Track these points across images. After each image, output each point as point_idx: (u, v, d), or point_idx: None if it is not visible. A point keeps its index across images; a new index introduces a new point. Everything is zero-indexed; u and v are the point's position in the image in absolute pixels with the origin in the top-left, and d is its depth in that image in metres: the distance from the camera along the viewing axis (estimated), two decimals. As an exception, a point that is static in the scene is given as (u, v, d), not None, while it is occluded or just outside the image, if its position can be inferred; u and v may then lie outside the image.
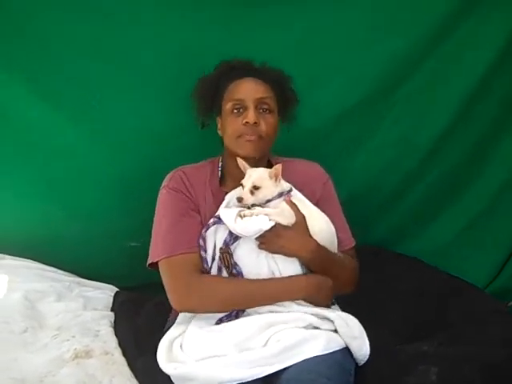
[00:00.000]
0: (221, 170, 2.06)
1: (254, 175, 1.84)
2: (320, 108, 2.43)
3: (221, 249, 1.82)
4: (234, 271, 1.82)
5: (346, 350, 1.74)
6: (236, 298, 1.80)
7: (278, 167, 1.83)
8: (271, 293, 1.80)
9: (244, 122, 1.90)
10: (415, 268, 2.60)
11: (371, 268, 2.42)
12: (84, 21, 2.13)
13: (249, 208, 1.83)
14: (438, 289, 2.42)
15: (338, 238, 1.96)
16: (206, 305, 1.82)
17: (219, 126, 2.05)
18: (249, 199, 1.82)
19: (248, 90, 1.94)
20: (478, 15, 2.33)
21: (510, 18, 2.33)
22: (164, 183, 1.99)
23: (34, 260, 2.49)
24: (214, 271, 1.84)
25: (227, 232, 1.82)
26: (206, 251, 1.85)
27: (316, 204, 1.97)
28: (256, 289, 1.80)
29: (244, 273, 1.82)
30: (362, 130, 2.57)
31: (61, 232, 2.47)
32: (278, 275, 1.82)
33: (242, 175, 1.89)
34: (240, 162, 1.89)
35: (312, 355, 1.64)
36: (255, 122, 1.89)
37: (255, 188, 1.82)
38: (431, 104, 2.52)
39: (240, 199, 1.81)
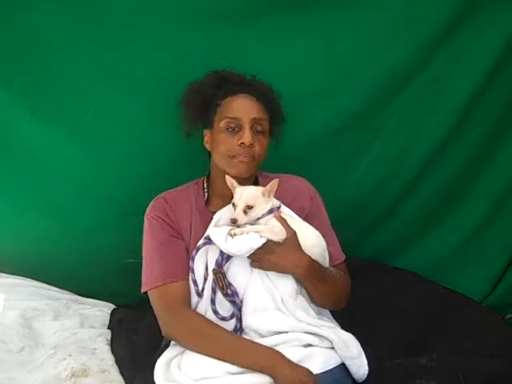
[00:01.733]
0: (207, 190, 2.04)
1: (246, 194, 1.82)
2: (315, 122, 2.44)
3: (213, 270, 1.81)
4: (229, 291, 1.80)
5: (343, 366, 1.74)
6: (211, 342, 1.76)
7: (274, 183, 1.83)
8: (245, 354, 1.72)
9: (239, 142, 1.88)
10: (412, 282, 2.60)
11: (367, 282, 2.43)
12: (78, 37, 2.13)
13: (238, 226, 1.82)
14: (434, 302, 2.41)
15: (328, 252, 1.95)
16: (181, 337, 1.82)
17: (206, 139, 2.03)
18: (243, 219, 1.81)
19: (244, 108, 1.92)
20: (474, 26, 2.34)
21: (505, 27, 2.34)
22: (147, 211, 1.99)
23: (31, 278, 2.49)
24: (206, 292, 1.83)
25: (218, 252, 1.81)
26: (194, 273, 1.84)
27: (305, 219, 1.97)
28: (232, 344, 1.75)
29: (239, 292, 1.81)
30: (357, 144, 2.57)
31: (57, 250, 2.46)
32: (275, 292, 1.80)
33: (230, 192, 1.88)
34: (228, 179, 1.88)
35: None
36: (251, 144, 1.89)
37: (248, 208, 1.81)
38: (427, 117, 2.53)
39: (234, 220, 1.79)
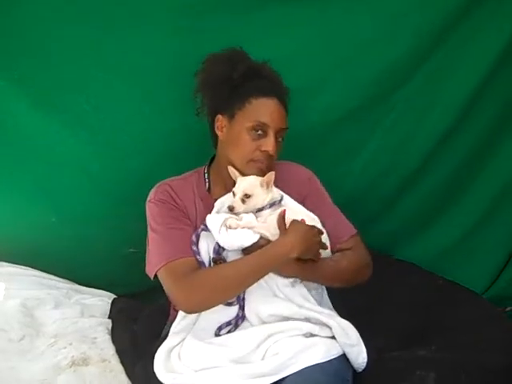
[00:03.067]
0: (207, 179, 2.02)
1: (245, 183, 1.83)
2: (317, 113, 2.44)
3: (213, 258, 1.81)
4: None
5: (344, 357, 1.74)
6: (231, 280, 1.76)
7: (271, 175, 1.82)
8: (262, 262, 1.75)
9: (263, 149, 1.87)
10: (412, 273, 2.60)
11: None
12: (78, 26, 2.12)
13: (237, 214, 1.82)
14: (434, 294, 2.42)
15: (334, 230, 1.92)
16: (205, 296, 1.78)
17: (219, 124, 1.96)
18: (240, 207, 1.81)
19: (273, 116, 1.88)
20: (477, 19, 2.34)
21: (508, 21, 2.34)
22: (150, 197, 1.95)
23: (31, 267, 2.49)
24: None
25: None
26: (200, 255, 1.83)
27: (304, 201, 1.95)
28: (246, 264, 1.76)
29: None
30: (359, 135, 2.57)
31: (58, 239, 2.47)
32: (270, 280, 1.80)
33: (231, 182, 1.88)
34: (231, 170, 1.88)
35: (309, 364, 1.64)
36: (273, 153, 1.88)
37: (246, 196, 1.81)
38: (428, 109, 2.53)
39: (231, 208, 1.80)
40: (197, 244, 1.83)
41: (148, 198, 1.96)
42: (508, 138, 2.60)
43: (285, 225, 1.80)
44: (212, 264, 1.82)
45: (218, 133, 1.97)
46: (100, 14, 2.12)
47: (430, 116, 2.53)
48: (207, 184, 2.01)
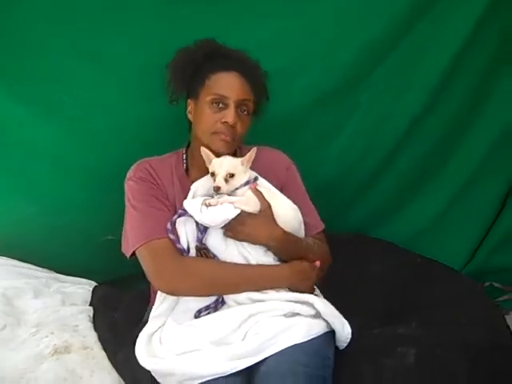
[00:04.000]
0: (186, 162, 2.04)
1: (227, 163, 1.84)
2: (293, 96, 2.43)
3: (196, 246, 1.82)
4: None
5: (325, 336, 1.75)
6: (220, 281, 1.80)
7: (253, 152, 1.86)
8: (255, 280, 1.80)
9: (223, 121, 1.88)
10: (391, 252, 2.62)
11: (346, 253, 2.45)
12: (57, 17, 2.10)
13: (219, 194, 1.83)
14: (413, 272, 2.44)
15: (305, 223, 1.97)
16: (190, 286, 1.80)
17: (189, 108, 2.02)
18: (224, 187, 1.82)
19: (232, 87, 1.90)
20: (448, 1, 2.35)
21: (479, 3, 2.35)
22: (129, 175, 1.96)
23: (9, 257, 2.47)
24: (191, 253, 1.84)
25: (195, 223, 1.82)
26: (179, 242, 1.83)
27: (280, 190, 1.98)
28: (241, 274, 1.81)
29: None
30: (335, 118, 2.57)
31: (35, 228, 2.44)
32: (252, 262, 1.83)
33: (204, 167, 1.90)
34: (204, 151, 1.89)
35: (290, 344, 1.65)
36: (234, 123, 1.89)
37: (230, 176, 1.82)
38: (403, 90, 2.54)
39: (217, 188, 1.80)
40: (173, 232, 1.83)
41: (127, 176, 1.96)
42: (481, 120, 2.64)
43: (263, 197, 1.85)
44: (196, 252, 1.82)
45: (189, 116, 2.02)
46: (75, 5, 2.10)
47: (404, 97, 2.55)
48: (185, 165, 2.03)
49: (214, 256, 1.83)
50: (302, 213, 1.96)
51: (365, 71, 2.48)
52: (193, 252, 1.83)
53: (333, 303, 1.80)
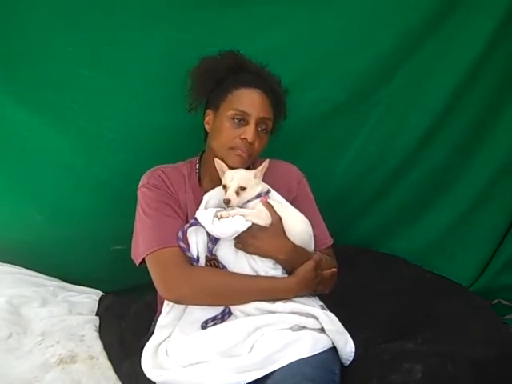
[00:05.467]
0: (198, 171, 2.05)
1: (239, 176, 1.84)
2: (303, 109, 2.42)
3: (206, 257, 1.83)
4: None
5: (331, 351, 1.74)
6: (227, 291, 1.80)
7: (266, 164, 1.87)
8: (262, 291, 1.79)
9: (242, 137, 1.89)
10: (399, 267, 2.61)
11: (355, 268, 2.44)
12: (63, 24, 2.11)
13: (230, 207, 1.83)
14: (422, 288, 2.43)
15: (314, 236, 1.97)
16: (196, 295, 1.80)
17: (207, 119, 2.01)
18: (235, 200, 1.82)
19: (255, 105, 1.90)
20: (463, 12, 2.35)
21: (494, 14, 2.36)
22: (142, 182, 1.97)
23: (17, 265, 2.47)
24: (201, 263, 1.84)
25: (206, 234, 1.83)
26: (189, 251, 1.83)
27: (291, 203, 1.98)
28: (249, 284, 1.80)
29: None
30: (346, 130, 2.58)
31: (44, 237, 2.45)
32: (261, 273, 1.82)
33: (217, 175, 1.91)
34: (218, 162, 1.89)
35: (297, 358, 1.64)
36: (253, 141, 1.89)
37: (241, 189, 1.83)
38: (414, 103, 2.54)
39: (227, 201, 1.80)
40: (184, 241, 1.83)
41: (140, 183, 1.97)
42: (493, 132, 2.62)
43: (274, 211, 1.86)
44: (205, 262, 1.83)
45: (206, 126, 2.02)
46: (86, 11, 2.11)
47: (415, 111, 2.55)
48: (197, 175, 2.04)
49: (224, 267, 1.83)
50: (311, 226, 1.96)
51: (376, 84, 2.49)
52: (202, 262, 1.83)
53: (340, 317, 1.80)
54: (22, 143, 2.29)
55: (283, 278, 1.84)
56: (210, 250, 1.83)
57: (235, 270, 1.83)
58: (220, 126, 1.93)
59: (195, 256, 1.83)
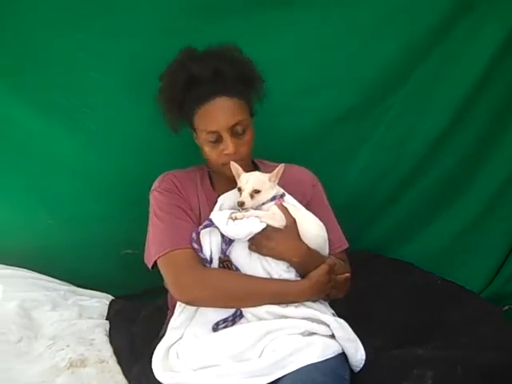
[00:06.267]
0: (210, 175, 2.06)
1: (254, 179, 1.84)
2: (314, 114, 2.44)
3: (220, 258, 1.83)
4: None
5: (341, 357, 1.74)
6: (240, 293, 1.79)
7: (281, 169, 1.85)
8: (274, 294, 1.79)
9: (225, 153, 1.88)
10: (410, 273, 2.60)
11: (366, 273, 2.43)
12: (73, 29, 2.13)
13: (244, 210, 1.83)
14: (432, 294, 2.41)
15: (329, 240, 1.95)
16: (209, 297, 1.80)
17: (194, 136, 2.00)
18: (249, 203, 1.82)
19: (219, 119, 1.86)
20: (474, 17, 2.34)
21: (505, 21, 2.35)
22: (154, 185, 1.98)
23: (28, 269, 2.48)
24: (214, 264, 1.84)
25: (220, 235, 1.83)
26: (202, 252, 1.84)
27: (306, 206, 1.98)
28: (261, 287, 1.80)
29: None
30: (356, 136, 2.57)
31: (55, 241, 2.47)
32: (274, 275, 1.82)
33: (232, 179, 1.90)
34: (233, 166, 1.88)
35: (307, 363, 1.64)
36: (235, 151, 1.88)
37: (255, 192, 1.82)
38: (425, 109, 2.53)
39: (241, 203, 1.80)
40: (197, 242, 1.84)
41: (152, 188, 1.99)
42: (504, 138, 2.61)
43: (289, 213, 1.85)
44: (218, 264, 1.83)
45: (197, 142, 2.01)
46: (94, 17, 2.13)
47: (426, 116, 2.53)
48: (210, 178, 2.06)
49: (237, 269, 1.83)
50: (326, 230, 1.94)
51: (386, 90, 2.48)
52: (215, 263, 1.84)
53: (351, 323, 1.79)
54: (33, 147, 2.31)
55: (296, 281, 1.84)
56: (223, 252, 1.82)
57: (248, 272, 1.83)
58: (202, 147, 1.94)
59: (208, 257, 1.83)
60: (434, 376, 1.75)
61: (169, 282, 1.85)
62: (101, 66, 2.20)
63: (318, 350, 1.67)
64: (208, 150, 1.92)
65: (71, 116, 2.26)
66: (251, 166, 2.06)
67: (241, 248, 1.84)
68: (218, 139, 1.89)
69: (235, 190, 1.90)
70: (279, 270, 1.83)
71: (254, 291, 1.79)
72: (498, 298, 2.75)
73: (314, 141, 2.51)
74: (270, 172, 1.88)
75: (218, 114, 1.87)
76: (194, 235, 1.84)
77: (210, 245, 1.84)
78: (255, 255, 1.83)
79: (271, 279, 1.82)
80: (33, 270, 2.48)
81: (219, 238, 1.83)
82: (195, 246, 1.83)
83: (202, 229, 1.85)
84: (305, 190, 2.07)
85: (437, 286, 2.51)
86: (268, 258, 1.83)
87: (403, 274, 2.59)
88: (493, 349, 1.94)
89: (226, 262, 1.82)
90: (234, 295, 1.80)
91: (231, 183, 1.91)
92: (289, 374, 1.62)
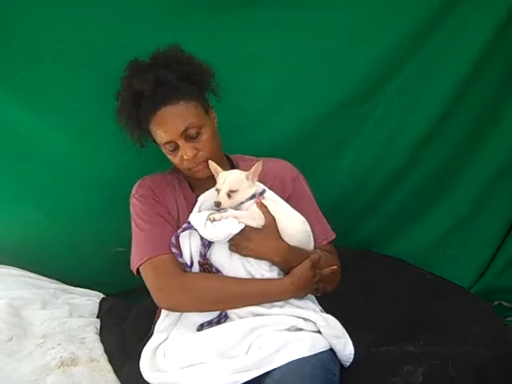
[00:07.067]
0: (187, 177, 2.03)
1: (230, 178, 1.82)
2: (303, 111, 2.45)
3: (199, 262, 1.82)
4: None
5: (330, 352, 1.74)
6: (222, 297, 1.79)
7: (258, 166, 1.82)
8: (258, 295, 1.79)
9: (184, 159, 1.87)
10: (400, 269, 2.61)
11: (357, 270, 2.44)
12: (68, 27, 2.13)
13: (222, 210, 1.81)
14: (422, 290, 2.43)
15: (313, 232, 1.93)
16: (191, 302, 1.80)
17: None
18: (226, 203, 1.80)
19: (168, 128, 1.84)
20: (461, 14, 2.37)
21: (491, 17, 2.37)
22: (132, 192, 1.98)
23: (18, 267, 2.47)
24: (194, 268, 1.83)
25: (199, 237, 1.81)
26: (182, 256, 1.82)
27: (287, 200, 1.95)
28: (242, 288, 1.79)
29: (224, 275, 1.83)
30: (346, 131, 2.58)
31: (45, 239, 2.46)
32: (257, 276, 1.81)
33: (210, 181, 1.88)
34: (212, 165, 1.86)
35: (296, 357, 1.64)
36: (194, 154, 1.87)
37: (232, 192, 1.80)
38: (415, 104, 2.54)
39: (218, 203, 1.78)
40: (176, 246, 1.82)
41: (131, 193, 1.99)
42: (493, 134, 2.63)
43: (268, 212, 1.83)
44: (199, 267, 1.82)
45: None
46: (85, 16, 2.13)
47: (415, 112, 2.55)
48: (188, 182, 2.04)
49: (217, 271, 1.82)
50: (310, 223, 1.92)
51: (374, 87, 2.49)
52: (196, 266, 1.83)
53: (341, 320, 1.80)
54: (24, 144, 2.30)
55: (278, 279, 1.82)
56: (202, 255, 1.81)
57: (230, 274, 1.82)
58: (168, 157, 1.94)
59: (188, 262, 1.82)
60: (424, 372, 1.76)
61: (150, 288, 1.84)
62: (93, 62, 2.19)
63: (307, 345, 1.68)
64: (172, 159, 1.92)
65: (62, 112, 2.26)
66: (226, 162, 2.05)
67: (221, 249, 1.82)
68: (176, 147, 1.88)
69: (214, 190, 1.87)
70: (261, 270, 1.82)
71: (235, 293, 1.78)
72: (487, 293, 2.78)
73: (303, 137, 2.51)
74: (250, 168, 1.86)
75: (167, 125, 1.85)
76: (173, 239, 1.83)
77: (189, 248, 1.83)
78: (236, 256, 1.82)
79: (253, 280, 1.81)
80: (22, 269, 2.47)
81: (199, 240, 1.82)
82: (174, 250, 1.82)
83: (180, 232, 1.83)
84: (285, 183, 2.03)
85: (427, 281, 2.52)
86: (249, 259, 1.82)
87: (393, 270, 2.60)
88: (483, 344, 1.95)
89: (205, 266, 1.81)
90: (216, 299, 1.79)
91: (210, 183, 1.89)
92: (278, 367, 1.62)
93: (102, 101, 2.22)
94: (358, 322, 1.87)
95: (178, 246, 1.83)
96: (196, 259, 1.83)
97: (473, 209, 2.78)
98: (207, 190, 1.92)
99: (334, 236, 2.05)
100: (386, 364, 1.84)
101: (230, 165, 2.06)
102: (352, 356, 1.77)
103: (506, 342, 2.03)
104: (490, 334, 2.05)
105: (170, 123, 1.84)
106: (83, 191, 2.42)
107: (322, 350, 1.70)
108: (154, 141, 1.95)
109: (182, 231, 1.83)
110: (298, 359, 1.64)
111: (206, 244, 1.81)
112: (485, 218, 2.78)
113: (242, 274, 1.81)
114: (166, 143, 1.87)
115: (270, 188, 1.94)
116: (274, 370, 1.62)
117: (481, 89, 2.51)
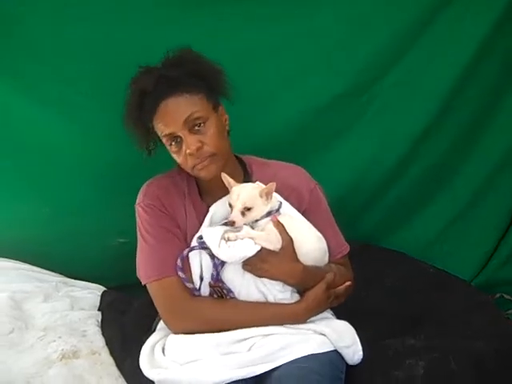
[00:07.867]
0: (198, 185, 1.94)
1: (244, 195, 1.71)
2: (300, 102, 2.44)
3: (210, 283, 1.75)
4: (228, 297, 1.77)
5: (337, 352, 1.73)
6: (232, 323, 1.72)
7: (272, 186, 1.71)
8: (271, 319, 1.73)
9: (188, 153, 1.75)
10: (401, 262, 2.60)
11: (358, 263, 2.42)
12: (70, 20, 2.13)
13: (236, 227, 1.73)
14: (424, 283, 2.42)
15: (329, 248, 1.86)
16: (201, 328, 1.73)
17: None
18: (241, 222, 1.71)
19: (171, 119, 1.74)
20: (459, 6, 2.35)
21: (490, 10, 2.35)
22: (139, 199, 1.89)
23: (20, 260, 2.48)
24: (204, 291, 1.77)
25: (209, 256, 1.75)
26: (184, 272, 1.76)
27: (304, 213, 1.88)
28: (255, 316, 1.73)
29: (235, 295, 1.77)
30: (342, 125, 2.57)
31: (47, 232, 2.46)
32: (269, 296, 1.76)
33: (221, 187, 1.80)
34: (225, 178, 1.77)
35: (304, 354, 1.63)
36: (198, 148, 1.75)
37: (246, 209, 1.71)
38: (412, 97, 2.54)
39: (232, 223, 1.70)
40: (183, 269, 1.76)
41: (137, 200, 1.90)
42: (492, 127, 2.63)
43: (285, 232, 1.76)
44: (210, 289, 1.76)
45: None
46: (89, 10, 2.12)
47: (413, 106, 2.54)
48: (197, 188, 1.94)
49: (229, 291, 1.76)
50: (326, 237, 1.85)
51: (373, 78, 2.49)
52: (206, 288, 1.77)
53: (342, 314, 1.82)
54: (27, 136, 2.30)
55: (291, 304, 1.76)
56: (214, 278, 1.74)
57: (242, 293, 1.75)
58: (172, 154, 1.83)
59: (197, 286, 1.76)
60: (425, 365, 1.76)
61: (159, 309, 1.80)
62: (95, 55, 2.18)
63: (315, 344, 1.67)
64: (176, 158, 1.81)
65: (66, 105, 2.25)
66: (237, 164, 1.96)
67: (234, 269, 1.75)
68: (179, 141, 1.77)
69: (226, 201, 1.79)
70: (274, 291, 1.76)
71: (248, 321, 1.73)
72: (489, 285, 2.78)
73: (300, 129, 2.50)
74: (262, 177, 1.81)
75: (169, 115, 1.75)
76: (179, 262, 1.76)
77: (200, 268, 1.77)
78: (249, 275, 1.74)
79: (265, 305, 1.76)
80: (24, 262, 2.48)
81: (210, 261, 1.75)
82: (181, 275, 1.75)
83: (187, 253, 1.77)
84: (302, 196, 1.93)
85: (428, 274, 2.52)
86: (263, 279, 1.75)
87: (394, 263, 2.60)
88: (484, 337, 1.95)
89: (216, 288, 1.75)
90: (229, 327, 1.72)
91: (219, 188, 1.82)
92: (285, 363, 1.62)
93: (104, 94, 2.23)
94: (360, 315, 1.86)
95: (184, 269, 1.76)
96: (207, 280, 1.76)
97: (473, 201, 2.77)
98: (218, 198, 1.85)
99: (348, 249, 1.99)
100: (387, 357, 1.84)
101: (243, 168, 1.97)
102: (360, 360, 1.76)
103: (507, 335, 2.03)
104: (491, 327, 2.05)
105: (172, 114, 1.74)
106: (85, 185, 2.42)
107: (330, 350, 1.70)
108: (161, 141, 1.85)
109: (190, 251, 1.78)
110: (307, 355, 1.63)
111: (218, 263, 1.74)
112: (485, 211, 2.78)
113: (254, 293, 1.76)
114: (168, 136, 1.76)
115: (286, 199, 1.86)
116: (282, 365, 1.62)
117: (479, 82, 2.50)
